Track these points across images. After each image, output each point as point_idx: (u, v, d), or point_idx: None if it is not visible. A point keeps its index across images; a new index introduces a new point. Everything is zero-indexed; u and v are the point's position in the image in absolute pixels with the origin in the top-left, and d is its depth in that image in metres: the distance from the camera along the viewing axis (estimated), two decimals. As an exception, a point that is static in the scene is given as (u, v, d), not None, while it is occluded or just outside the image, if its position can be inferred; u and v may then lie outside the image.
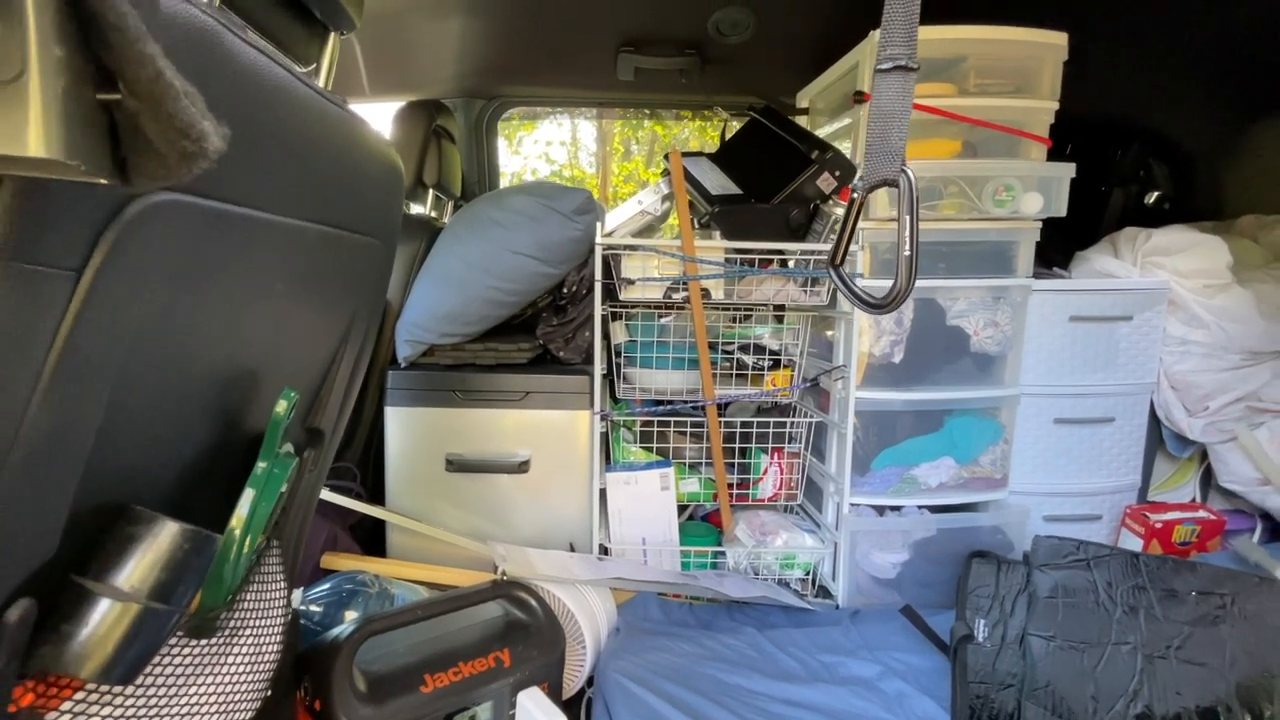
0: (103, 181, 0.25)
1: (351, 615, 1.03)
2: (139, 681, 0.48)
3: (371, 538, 1.37)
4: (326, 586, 1.08)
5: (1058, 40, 1.20)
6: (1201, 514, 1.32)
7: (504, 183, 2.07)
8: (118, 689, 0.47)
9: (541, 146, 6.35)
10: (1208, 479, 1.45)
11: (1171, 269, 1.35)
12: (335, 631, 0.85)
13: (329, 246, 0.61)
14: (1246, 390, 1.30)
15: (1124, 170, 1.97)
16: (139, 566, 0.43)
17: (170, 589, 0.44)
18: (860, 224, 1.19)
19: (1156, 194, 1.97)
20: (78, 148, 0.23)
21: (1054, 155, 1.27)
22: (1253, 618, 0.99)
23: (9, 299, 0.30)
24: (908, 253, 0.47)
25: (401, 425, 1.29)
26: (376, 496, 1.35)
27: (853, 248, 1.24)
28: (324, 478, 0.85)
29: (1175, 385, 1.35)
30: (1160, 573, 1.12)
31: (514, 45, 1.60)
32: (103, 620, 0.41)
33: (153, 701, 0.49)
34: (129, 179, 0.26)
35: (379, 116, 1.83)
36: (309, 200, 0.53)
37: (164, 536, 0.44)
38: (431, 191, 1.57)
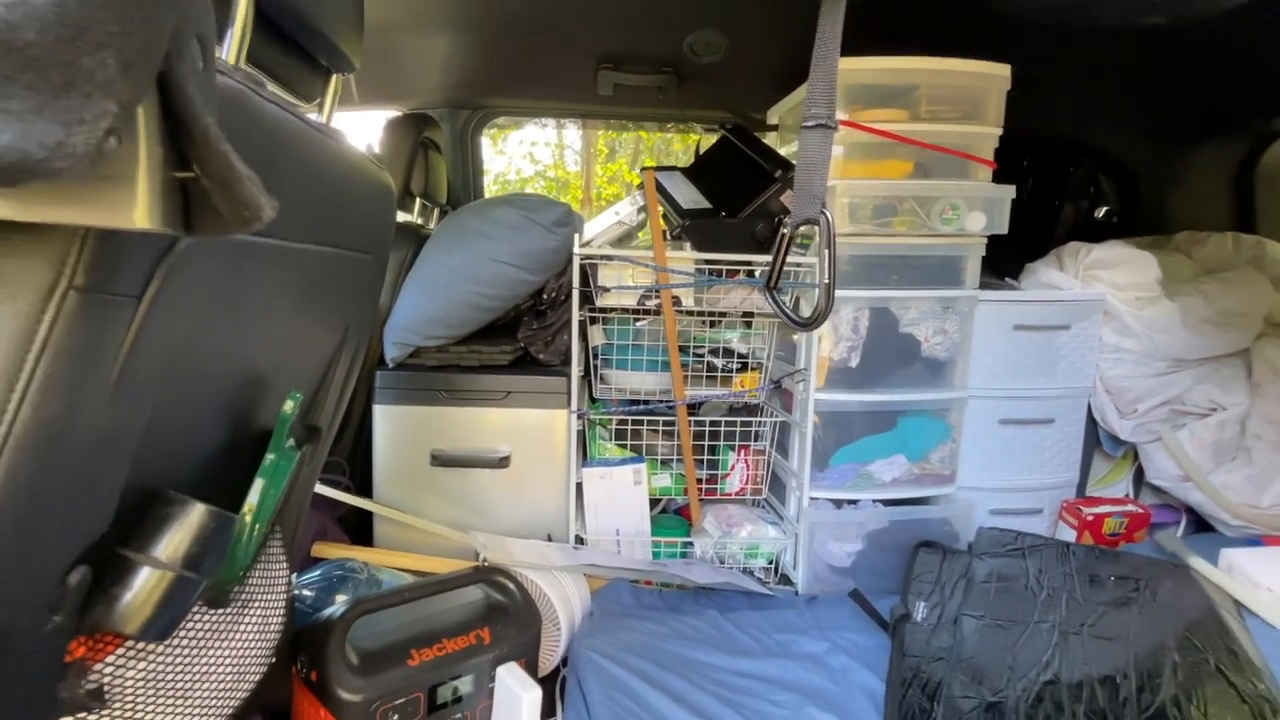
0: (169, 233, 0.33)
1: (341, 599, 1.11)
2: (167, 642, 0.56)
3: (359, 529, 1.44)
4: (317, 573, 1.16)
5: (1001, 71, 1.30)
6: (1130, 508, 1.44)
7: (488, 185, 2.15)
8: (150, 647, 0.55)
9: (526, 147, 6.40)
10: (1140, 476, 1.57)
11: (1109, 281, 1.47)
12: (329, 611, 0.92)
13: (329, 264, 0.68)
14: (1171, 395, 1.42)
15: (1075, 186, 2.10)
16: (173, 541, 0.51)
17: (199, 560, 0.52)
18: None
19: (1105, 209, 2.10)
20: (165, 217, 0.31)
21: (1009, 171, 1.38)
22: (1160, 600, 1.11)
23: (89, 322, 0.38)
24: (827, 281, 0.56)
25: (389, 422, 1.37)
26: (364, 490, 1.42)
27: (809, 261, 1.34)
28: (319, 471, 0.93)
29: (1109, 389, 1.47)
30: (1086, 561, 1.24)
31: (498, 60, 1.68)
32: (144, 585, 0.49)
33: (178, 660, 0.57)
34: (193, 232, 0.34)
35: (367, 123, 1.89)
36: (315, 226, 0.61)
37: (194, 516, 0.52)
38: (418, 200, 1.64)
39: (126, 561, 0.49)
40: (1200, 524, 1.50)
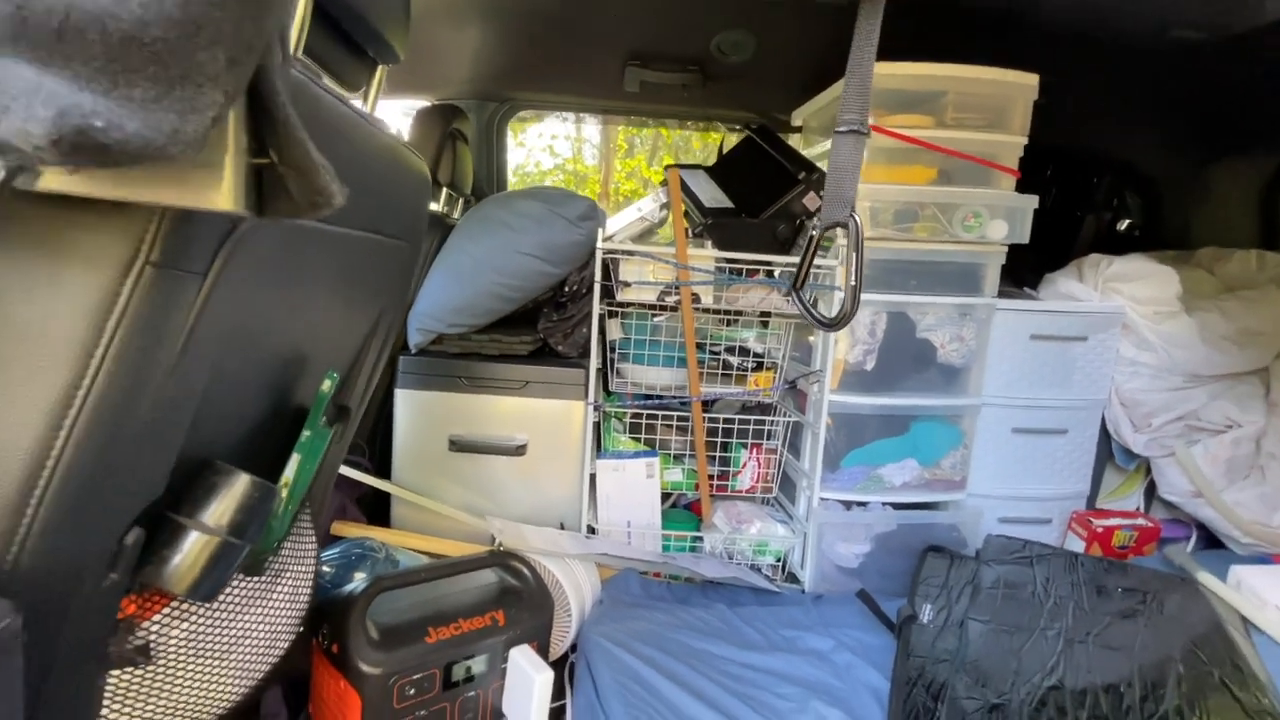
0: (246, 215, 0.36)
1: (360, 576, 1.14)
2: (208, 605, 0.59)
3: (376, 510, 1.47)
4: (337, 550, 1.19)
5: (1029, 81, 1.31)
6: (1140, 521, 1.44)
7: (510, 177, 2.17)
8: (193, 609, 0.58)
9: (546, 139, 6.42)
10: (1152, 490, 1.57)
11: (1128, 295, 1.47)
12: (350, 587, 0.95)
13: (369, 250, 0.71)
14: (1186, 410, 1.42)
15: (1098, 198, 2.09)
16: (220, 508, 0.53)
17: (243, 528, 0.54)
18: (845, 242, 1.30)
19: (1128, 222, 2.09)
20: (245, 200, 0.34)
21: (1033, 180, 1.38)
22: (1167, 613, 1.11)
23: (161, 296, 0.40)
24: (854, 282, 0.58)
25: (410, 406, 1.40)
26: (383, 472, 1.45)
27: (834, 264, 1.35)
28: (345, 450, 0.96)
29: (1124, 402, 1.47)
30: (1094, 571, 1.24)
31: (527, 53, 1.70)
32: (192, 548, 0.52)
33: (218, 622, 0.60)
34: (265, 214, 0.37)
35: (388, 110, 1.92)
36: (360, 212, 0.64)
37: (239, 485, 0.55)
38: (445, 189, 1.67)
39: (177, 525, 0.52)
40: (1210, 540, 1.50)
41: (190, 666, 0.58)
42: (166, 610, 0.55)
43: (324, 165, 0.34)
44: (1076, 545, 1.45)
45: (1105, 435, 1.52)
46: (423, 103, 1.78)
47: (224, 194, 0.32)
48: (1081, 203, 2.13)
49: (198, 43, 0.25)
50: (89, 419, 0.39)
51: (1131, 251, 1.61)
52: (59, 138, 0.23)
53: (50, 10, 0.22)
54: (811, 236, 0.61)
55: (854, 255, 0.58)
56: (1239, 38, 1.24)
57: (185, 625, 0.57)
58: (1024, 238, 1.34)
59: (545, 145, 6.38)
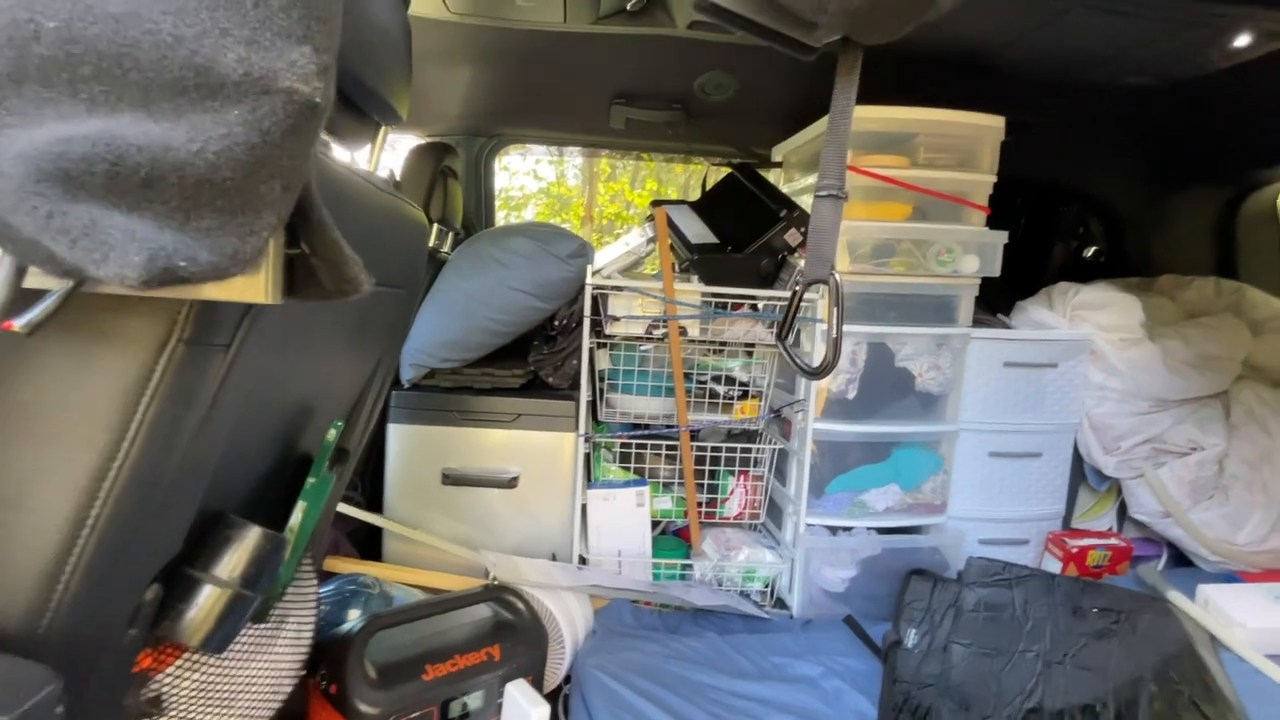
0: (281, 302, 0.39)
1: (354, 614, 1.14)
2: (218, 655, 0.60)
3: (368, 544, 1.48)
4: (331, 587, 1.19)
5: (996, 123, 1.38)
6: (1113, 541, 1.49)
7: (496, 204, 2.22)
8: (204, 659, 0.59)
9: (530, 163, 6.49)
10: (1124, 510, 1.63)
11: (1095, 322, 1.53)
12: (347, 626, 0.96)
13: (372, 301, 0.73)
14: (1152, 433, 1.48)
15: (1065, 226, 2.18)
16: (232, 560, 0.55)
17: (255, 579, 0.56)
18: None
19: (1094, 249, 2.18)
20: (280, 291, 0.37)
21: (1004, 209, 1.44)
22: (1139, 632, 1.16)
23: (190, 370, 0.43)
24: (835, 335, 0.62)
25: (402, 441, 1.41)
26: (374, 506, 1.46)
27: (815, 298, 1.40)
28: (343, 490, 0.97)
29: (1094, 426, 1.53)
30: (1071, 592, 1.29)
31: (516, 92, 1.75)
32: (206, 601, 0.54)
33: (226, 672, 0.61)
34: (295, 297, 0.40)
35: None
36: (367, 267, 0.67)
37: (251, 538, 0.57)
38: (435, 225, 1.70)
39: (192, 579, 0.54)
40: (1180, 558, 1.56)
41: (200, 716, 0.59)
42: (180, 662, 0.57)
43: (354, 258, 0.38)
44: (1053, 565, 1.49)
45: (1078, 458, 1.57)
46: (414, 140, 1.81)
47: (263, 289, 0.35)
48: (1050, 231, 2.22)
49: (259, 178, 0.28)
50: (122, 488, 0.41)
51: (1098, 277, 1.68)
52: (149, 278, 0.26)
53: (138, 165, 0.25)
54: (794, 293, 0.65)
55: (834, 310, 0.62)
56: (1183, 84, 1.33)
57: (196, 676, 0.58)
58: (995, 271, 1.40)
59: (529, 170, 6.44)
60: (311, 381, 0.67)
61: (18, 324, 0.31)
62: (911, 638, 1.15)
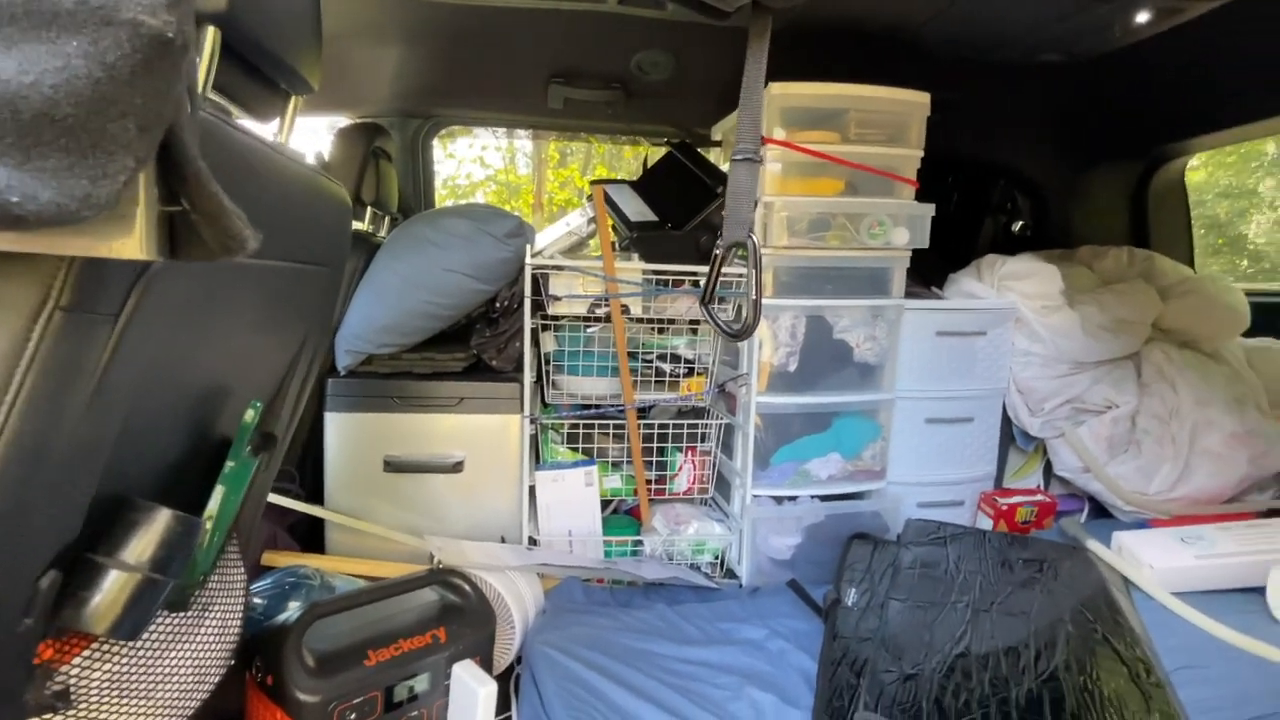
0: (160, 260, 0.37)
1: (295, 605, 1.11)
2: (132, 644, 0.58)
3: (310, 537, 1.44)
4: (269, 580, 1.16)
5: (921, 99, 1.42)
6: (1039, 497, 1.58)
7: (438, 190, 2.17)
8: (115, 650, 0.57)
9: (476, 150, 6.36)
10: (1049, 468, 1.72)
11: (1019, 291, 1.61)
12: (283, 616, 0.94)
13: (289, 278, 0.71)
14: (1073, 394, 1.56)
15: (994, 202, 2.27)
16: (140, 544, 0.53)
17: (166, 563, 0.54)
18: (765, 250, 1.38)
19: (1020, 223, 2.28)
20: (157, 247, 0.35)
21: (937, 187, 1.49)
22: (1060, 579, 1.23)
23: (72, 340, 0.41)
24: (754, 297, 0.63)
25: (341, 430, 1.38)
26: (315, 497, 1.42)
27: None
28: (273, 479, 0.94)
29: (1021, 389, 1.61)
30: (1000, 546, 1.36)
31: (450, 70, 1.71)
32: (112, 587, 0.51)
33: (142, 662, 0.59)
34: (177, 258, 0.38)
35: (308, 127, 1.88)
36: (279, 243, 0.64)
37: (160, 521, 0.54)
38: (369, 208, 1.65)
39: (96, 565, 0.51)
40: (1100, 510, 1.66)
41: (114, 708, 0.57)
42: (87, 652, 0.54)
43: (236, 211, 0.36)
44: (986, 523, 1.57)
45: (1006, 421, 1.65)
46: (344, 121, 1.75)
47: (134, 243, 0.33)
48: (980, 207, 2.31)
49: (108, 116, 0.27)
50: (0, 465, 0.39)
51: (1024, 250, 1.76)
52: None
53: None
54: (716, 255, 0.66)
55: (754, 272, 0.63)
56: (1092, 62, 1.40)
57: (108, 666, 0.56)
58: (924, 243, 1.45)
59: (475, 156, 6.31)
60: (224, 360, 0.65)
61: None
62: (851, 596, 1.19)
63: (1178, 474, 1.49)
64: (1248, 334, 1.71)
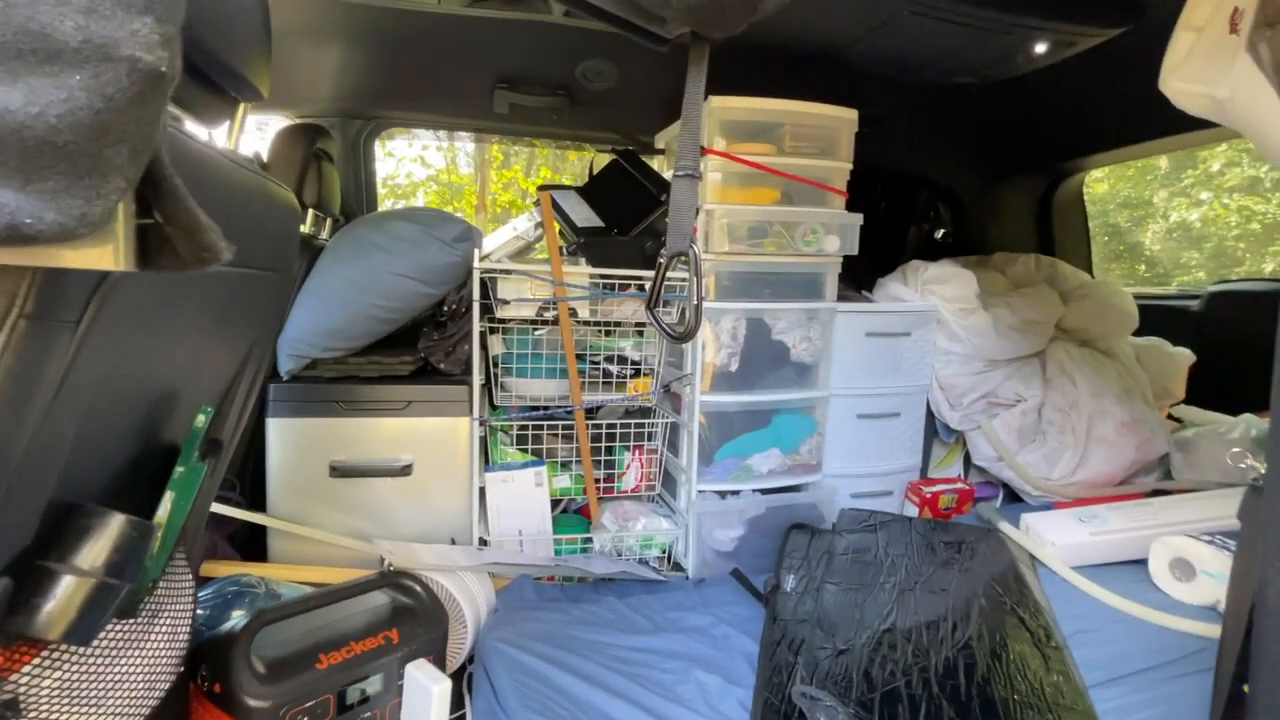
0: (134, 270, 0.38)
1: (239, 614, 1.10)
2: (81, 651, 0.58)
3: (250, 546, 1.41)
4: (210, 590, 1.14)
5: (850, 115, 1.52)
6: (959, 485, 1.71)
7: (379, 190, 2.14)
8: (64, 657, 0.57)
9: (417, 149, 6.23)
10: (969, 459, 1.86)
11: (940, 295, 1.73)
12: (230, 624, 0.93)
13: (240, 283, 0.72)
14: (987, 389, 1.70)
15: (918, 211, 2.43)
16: (94, 550, 0.53)
17: (120, 567, 0.55)
18: (707, 256, 1.44)
19: (943, 231, 2.45)
20: (134, 259, 0.37)
21: (866, 197, 1.60)
22: (976, 558, 1.35)
23: (34, 347, 0.41)
24: (695, 302, 0.69)
25: (283, 435, 1.35)
26: (256, 505, 1.39)
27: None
28: (218, 485, 0.93)
29: (942, 385, 1.74)
30: (924, 531, 1.47)
31: (393, 72, 1.70)
32: (66, 593, 0.52)
33: (93, 668, 0.59)
34: (149, 268, 0.39)
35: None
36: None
37: (113, 525, 0.55)
38: (311, 210, 1.62)
39: (47, 571, 0.51)
40: (1013, 495, 1.81)
41: (64, 716, 0.56)
42: (36, 660, 0.54)
43: (210, 225, 0.38)
44: (912, 511, 1.69)
45: (930, 415, 1.78)
46: (285, 122, 1.72)
47: (116, 256, 0.35)
48: (906, 215, 2.46)
49: (105, 142, 0.29)
50: (-40, 471, 0.40)
51: (946, 256, 1.90)
52: None
53: None
54: (659, 264, 0.71)
55: (694, 279, 0.68)
56: (1001, 85, 1.53)
57: (58, 674, 0.56)
58: (853, 250, 1.55)
59: (416, 156, 6.18)
60: (175, 366, 0.65)
61: None
62: (790, 583, 1.27)
63: (1077, 460, 1.64)
64: (1137, 333, 1.90)
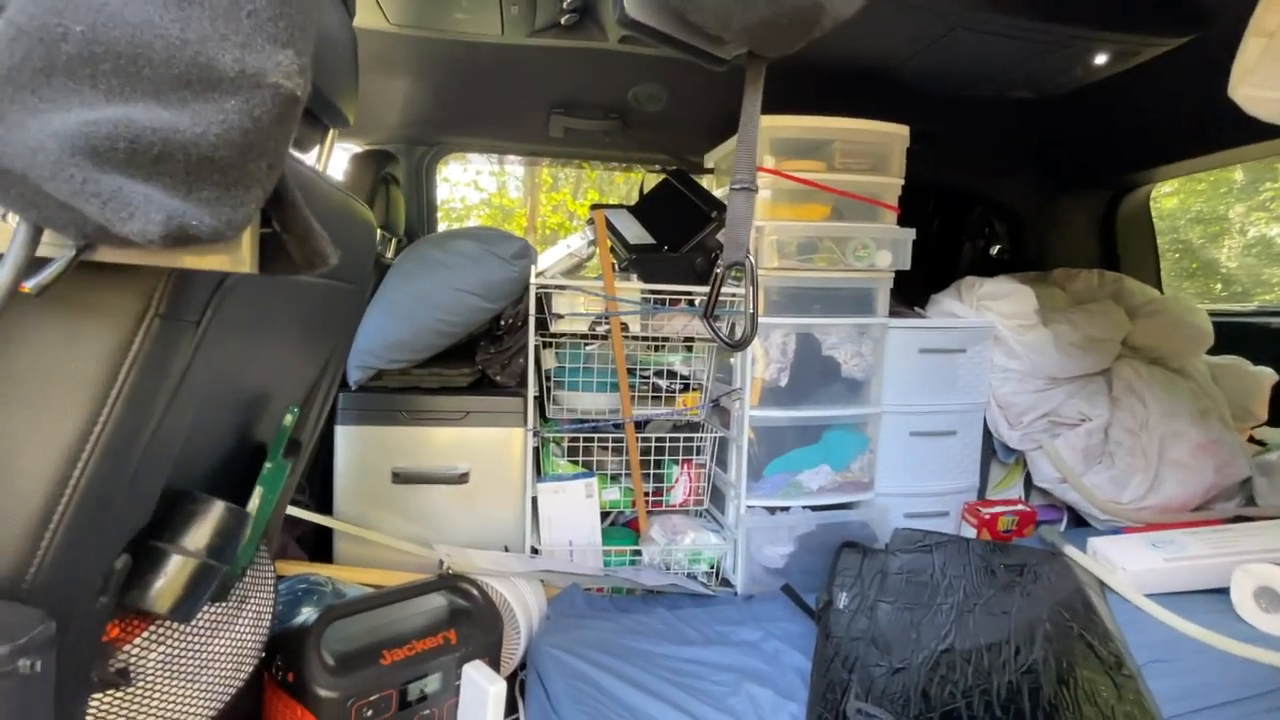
0: (253, 273, 0.43)
1: (308, 610, 1.15)
2: (182, 630, 0.63)
3: (317, 548, 1.48)
4: (283, 586, 1.20)
5: (902, 131, 1.52)
6: (1020, 507, 1.65)
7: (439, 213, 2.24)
8: (169, 633, 0.62)
9: (471, 174, 6.47)
10: (1030, 480, 1.80)
11: (997, 311, 1.70)
12: (301, 617, 0.98)
13: (326, 295, 0.78)
14: (1049, 408, 1.65)
15: (973, 227, 2.39)
16: (199, 533, 0.59)
17: (220, 550, 0.60)
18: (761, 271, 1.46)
19: (998, 247, 2.39)
20: (256, 262, 0.42)
21: (918, 213, 1.59)
22: (1040, 582, 1.30)
23: (165, 343, 0.47)
24: (751, 311, 0.70)
25: (350, 442, 1.43)
26: (322, 509, 1.46)
27: (741, 292, 1.50)
28: (295, 484, 0.99)
29: (1000, 404, 1.69)
30: (983, 553, 1.42)
31: (457, 102, 1.79)
32: (174, 571, 0.57)
33: (191, 645, 0.64)
34: (265, 273, 0.44)
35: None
36: (320, 262, 0.71)
37: (216, 511, 0.60)
38: (379, 231, 1.72)
39: (160, 550, 0.57)
40: (1078, 519, 1.73)
41: (166, 688, 0.61)
42: (146, 634, 0.59)
43: (321, 233, 0.43)
44: (970, 532, 1.64)
45: (988, 434, 1.73)
46: (355, 148, 1.83)
47: (244, 259, 0.40)
48: (960, 232, 2.42)
49: (250, 157, 0.33)
50: (102, 452, 0.45)
51: (1001, 273, 1.86)
52: (167, 234, 0.31)
53: (152, 144, 0.31)
54: (716, 274, 0.73)
55: (750, 289, 0.70)
56: (1060, 99, 1.51)
57: (162, 648, 0.61)
58: (905, 265, 1.54)
59: (470, 181, 6.42)
60: (269, 368, 0.71)
61: (29, 285, 0.35)
62: (843, 600, 1.25)
63: (1149, 483, 1.56)
64: (1213, 351, 1.81)
